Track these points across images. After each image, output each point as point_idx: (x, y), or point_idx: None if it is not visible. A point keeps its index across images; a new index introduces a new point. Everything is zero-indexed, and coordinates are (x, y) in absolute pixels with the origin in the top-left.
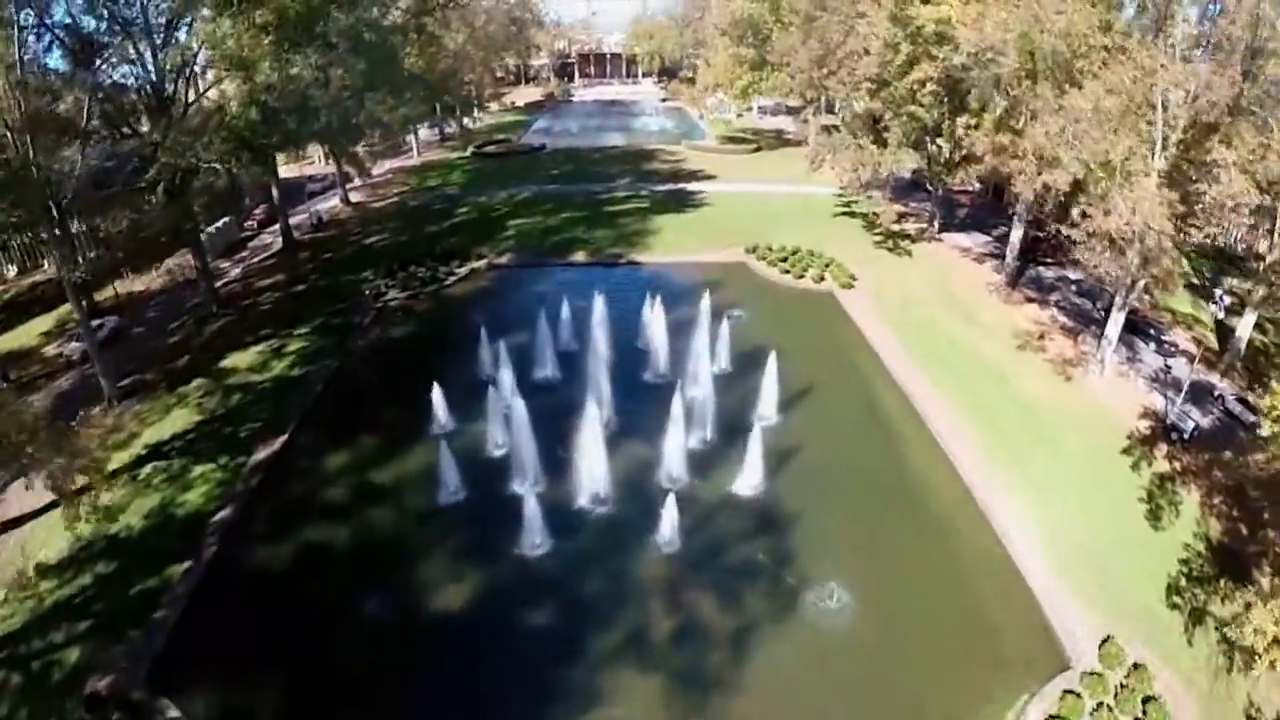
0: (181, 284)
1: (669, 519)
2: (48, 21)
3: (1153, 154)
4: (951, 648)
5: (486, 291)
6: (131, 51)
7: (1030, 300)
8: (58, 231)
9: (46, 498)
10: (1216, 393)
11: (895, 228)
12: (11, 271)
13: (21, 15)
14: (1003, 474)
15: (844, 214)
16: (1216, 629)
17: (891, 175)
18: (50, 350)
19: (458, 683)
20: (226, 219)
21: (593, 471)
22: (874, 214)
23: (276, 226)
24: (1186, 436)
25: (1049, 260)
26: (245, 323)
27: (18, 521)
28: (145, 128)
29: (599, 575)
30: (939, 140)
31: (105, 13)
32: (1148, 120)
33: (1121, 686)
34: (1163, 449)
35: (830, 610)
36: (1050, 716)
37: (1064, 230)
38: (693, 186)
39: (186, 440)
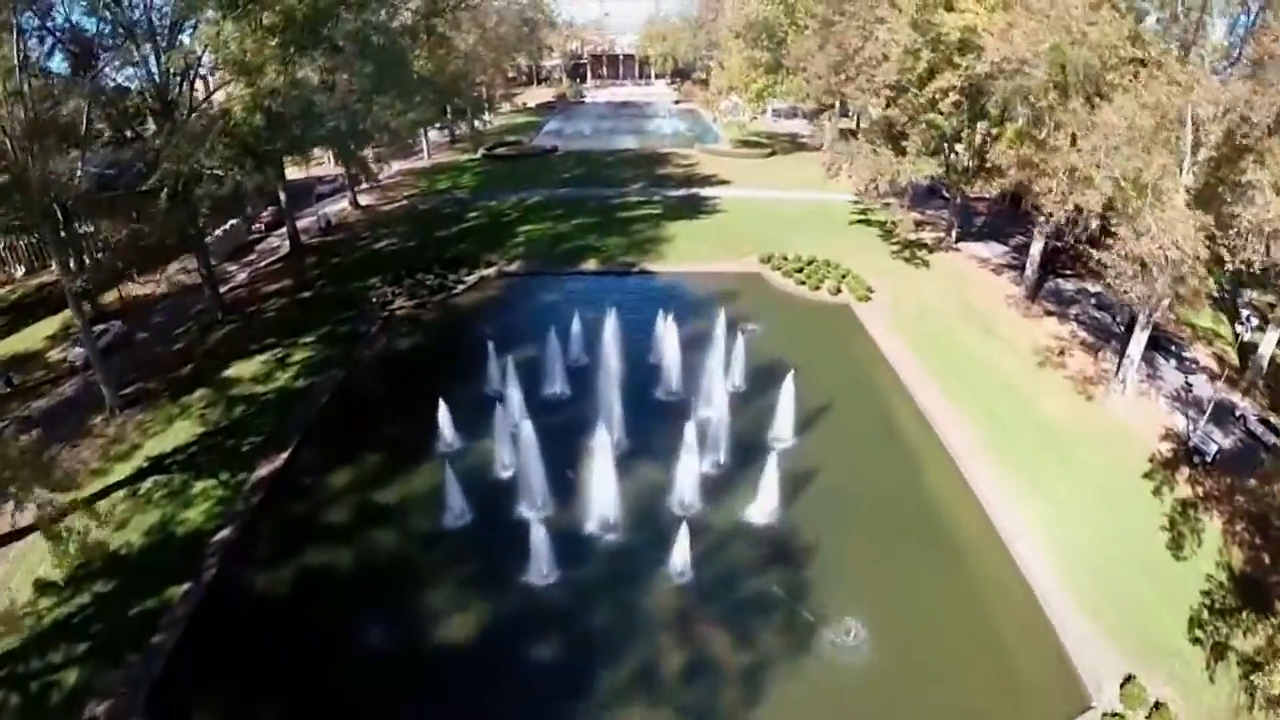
0: (187, 288)
1: (681, 548)
2: (49, 25)
3: (1180, 169)
4: (971, 688)
5: (495, 301)
6: (135, 55)
7: (1049, 314)
8: (61, 234)
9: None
10: (1238, 413)
11: (912, 237)
12: (19, 272)
13: (22, 19)
14: (1023, 500)
15: (860, 222)
16: (1238, 664)
17: (910, 184)
18: (54, 355)
19: (461, 716)
20: (234, 222)
21: (603, 497)
22: (892, 223)
23: (284, 229)
24: (1209, 460)
25: (1068, 272)
26: (250, 330)
27: (21, 533)
28: (150, 132)
29: (608, 606)
30: (958, 148)
31: (108, 15)
32: (1176, 135)
33: None
34: (1185, 472)
35: (847, 647)
36: None
37: (1095, 254)
38: (706, 192)
39: (188, 454)
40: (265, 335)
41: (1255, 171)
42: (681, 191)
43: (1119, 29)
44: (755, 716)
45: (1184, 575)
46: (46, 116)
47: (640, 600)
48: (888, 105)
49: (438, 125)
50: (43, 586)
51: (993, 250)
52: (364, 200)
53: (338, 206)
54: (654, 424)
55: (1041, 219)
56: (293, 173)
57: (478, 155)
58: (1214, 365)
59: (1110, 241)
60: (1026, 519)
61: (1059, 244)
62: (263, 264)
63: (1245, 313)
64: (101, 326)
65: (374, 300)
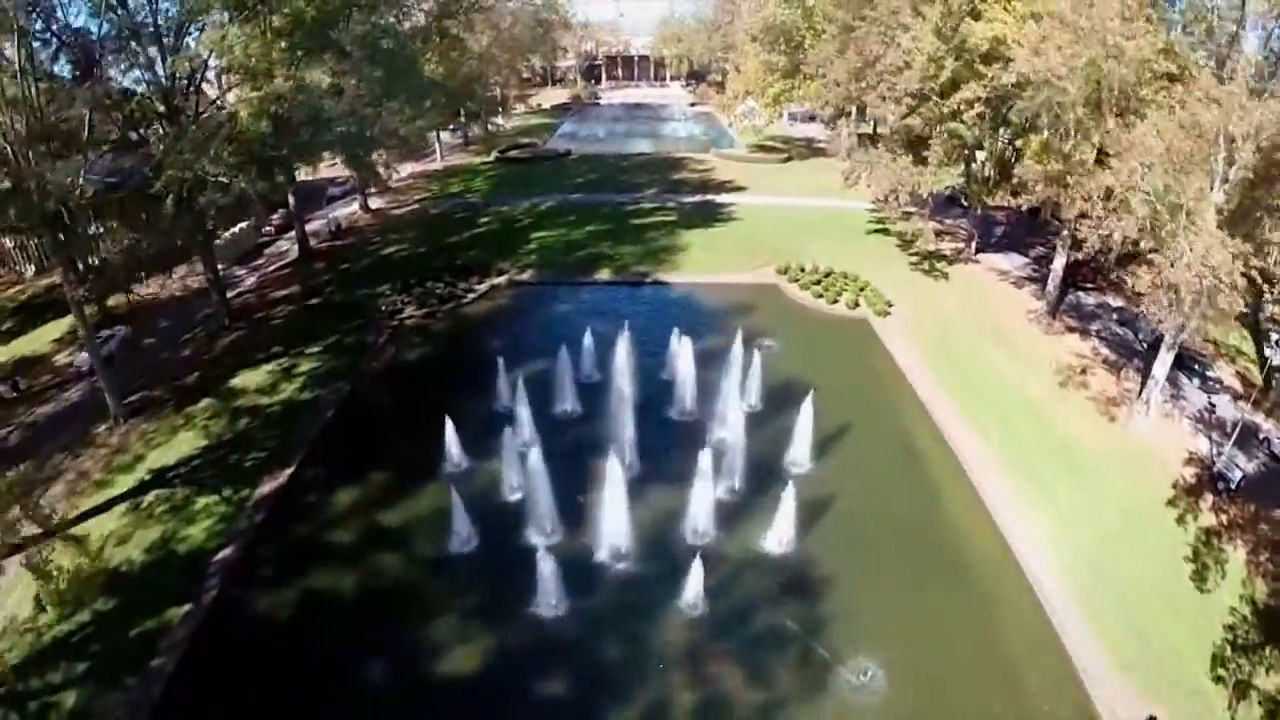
0: (195, 292)
1: (694, 580)
2: (54, 28)
3: (1211, 185)
4: None
5: (506, 311)
6: (140, 58)
7: (1071, 330)
8: (62, 238)
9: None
10: (1262, 435)
11: (931, 248)
12: (29, 271)
13: (26, 22)
14: (1044, 529)
15: (878, 231)
16: (1260, 703)
17: (931, 195)
18: (61, 359)
19: None
20: (243, 225)
21: (613, 524)
22: (912, 235)
23: (294, 233)
24: (1233, 486)
25: (1089, 285)
26: (257, 337)
27: (19, 547)
28: (155, 136)
29: (618, 640)
30: (979, 155)
31: (113, 16)
32: (1211, 154)
33: None
34: (1208, 499)
35: (864, 689)
36: None
37: (1128, 280)
38: (722, 198)
39: (191, 467)
40: (272, 343)
41: None
42: (696, 198)
43: (1152, 42)
44: None
45: (1207, 609)
46: (47, 122)
47: (651, 634)
48: (908, 113)
49: (450, 127)
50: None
51: (1012, 262)
52: (375, 203)
53: (348, 209)
54: (667, 446)
55: (1065, 233)
56: (303, 174)
57: (491, 158)
58: (1237, 385)
59: (1136, 264)
60: (1047, 549)
61: (1079, 256)
62: (271, 268)
63: (1276, 336)
64: (108, 331)
65: (383, 309)
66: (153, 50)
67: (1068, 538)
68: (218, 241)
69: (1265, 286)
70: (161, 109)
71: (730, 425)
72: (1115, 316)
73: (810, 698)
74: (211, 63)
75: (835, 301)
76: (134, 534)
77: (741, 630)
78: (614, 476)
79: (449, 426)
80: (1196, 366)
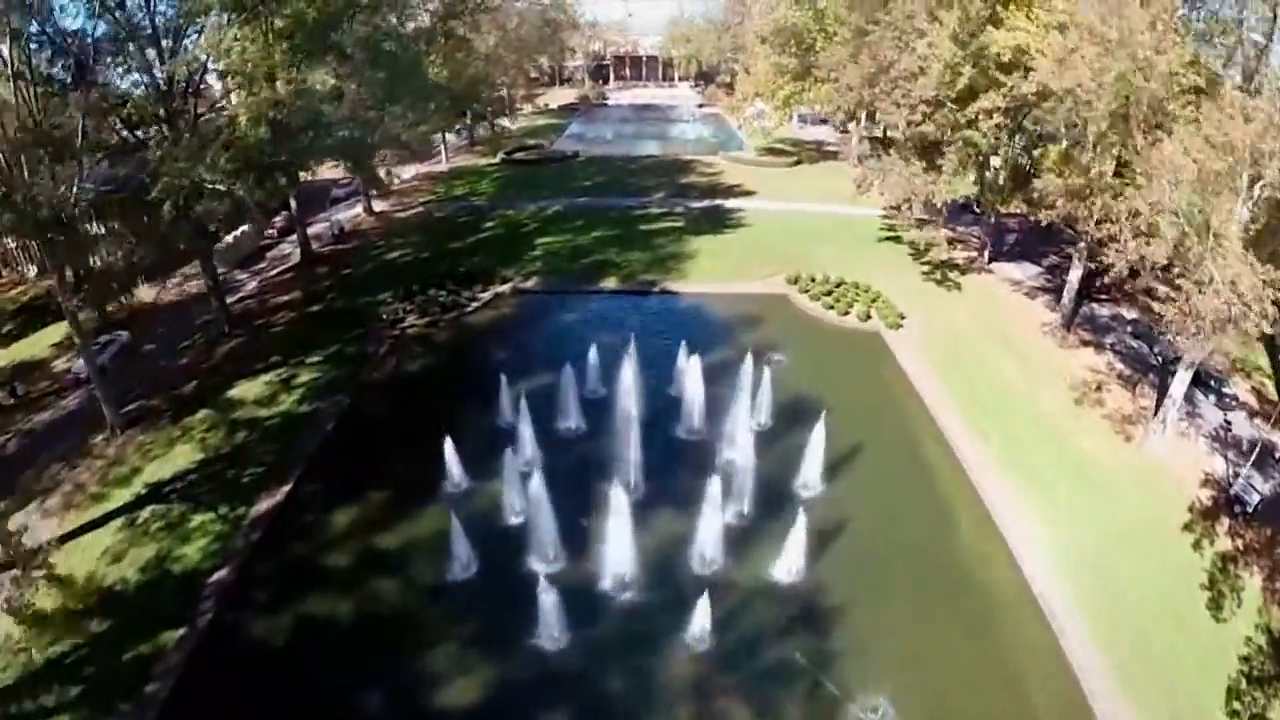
0: (195, 296)
1: (701, 611)
2: (49, 30)
3: (1236, 197)
4: None
5: (510, 321)
6: (138, 60)
7: (1086, 343)
8: (55, 245)
9: (45, 535)
10: (1278, 454)
11: (944, 257)
12: (31, 271)
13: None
14: (1059, 559)
15: (889, 239)
16: None
17: (945, 204)
18: (60, 364)
19: None
20: (245, 228)
21: (618, 550)
22: (926, 245)
23: (296, 236)
24: (1250, 510)
25: (1103, 296)
26: (257, 346)
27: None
28: (154, 140)
29: (622, 674)
30: (994, 162)
31: (111, 17)
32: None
33: None
34: (1225, 523)
35: None
36: None
37: (1156, 308)
38: (730, 204)
39: (187, 482)
40: (271, 352)
41: None
42: (705, 203)
43: (1180, 55)
44: None
45: (1222, 638)
46: (41, 127)
47: (657, 668)
48: (923, 120)
49: (456, 128)
50: (37, 621)
51: (1026, 272)
52: (379, 206)
53: (352, 212)
54: (674, 467)
55: (1081, 244)
56: (307, 175)
57: (497, 160)
58: (1253, 401)
59: (1159, 280)
60: (1060, 576)
61: (1093, 266)
62: (273, 272)
63: None
64: (107, 337)
65: (384, 317)
66: (151, 53)
67: (1082, 566)
68: (219, 245)
69: None
70: (159, 112)
71: (739, 445)
72: (1130, 329)
73: None
74: (211, 65)
75: (846, 313)
76: (129, 551)
77: (749, 664)
78: (618, 506)
79: (449, 446)
80: (1212, 383)
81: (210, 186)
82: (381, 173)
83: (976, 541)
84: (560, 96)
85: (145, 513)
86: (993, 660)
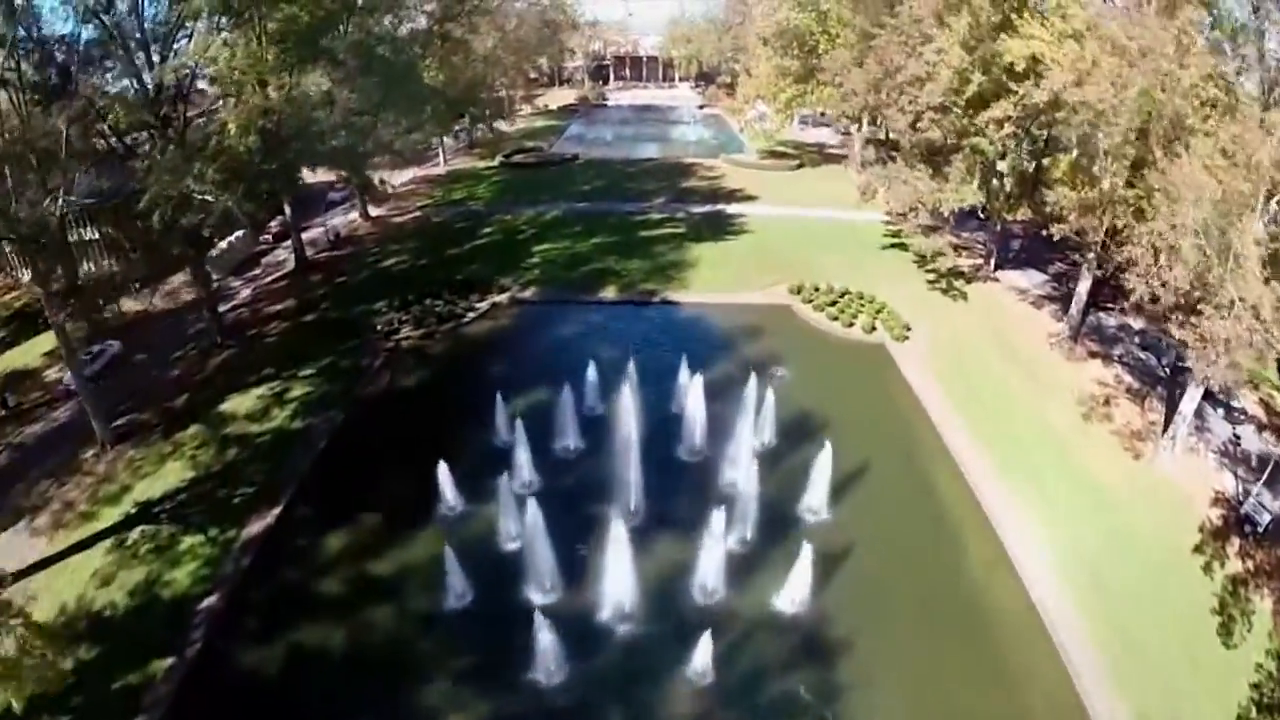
0: (189, 304)
1: (703, 645)
2: (35, 35)
3: (1254, 214)
4: None
5: (507, 334)
6: (127, 66)
7: (1093, 355)
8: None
9: (34, 555)
10: None
11: (950, 265)
12: (25, 275)
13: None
14: (1071, 586)
15: (893, 245)
16: None
17: (952, 213)
18: (52, 374)
19: None
20: (240, 233)
21: (618, 580)
22: (932, 254)
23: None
24: (1260, 530)
25: (1110, 306)
26: (249, 357)
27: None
28: (144, 148)
29: (621, 711)
30: (1001, 166)
31: (99, 22)
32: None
33: None
34: (1235, 543)
35: None
36: None
37: (1176, 333)
38: (732, 209)
39: (178, 502)
40: (264, 364)
41: None
42: (706, 208)
43: (1201, 67)
44: None
45: (1233, 665)
46: (24, 136)
47: (657, 703)
48: (930, 127)
49: (456, 129)
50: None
51: (1031, 280)
52: (375, 210)
53: (348, 217)
54: (675, 490)
55: (1090, 254)
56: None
57: (495, 163)
58: (1262, 414)
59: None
60: (1070, 603)
61: (1100, 274)
62: (267, 279)
63: None
64: (98, 347)
65: (379, 328)
66: (140, 57)
67: (1092, 591)
68: (212, 252)
69: None
70: (149, 119)
71: (741, 467)
72: (1137, 340)
73: None
74: (200, 72)
75: (851, 325)
76: (118, 574)
77: (753, 700)
78: (617, 534)
79: (443, 469)
80: (1221, 395)
81: (199, 197)
82: (377, 179)
83: (985, 570)
84: (560, 97)
85: (135, 534)
86: (1004, 699)
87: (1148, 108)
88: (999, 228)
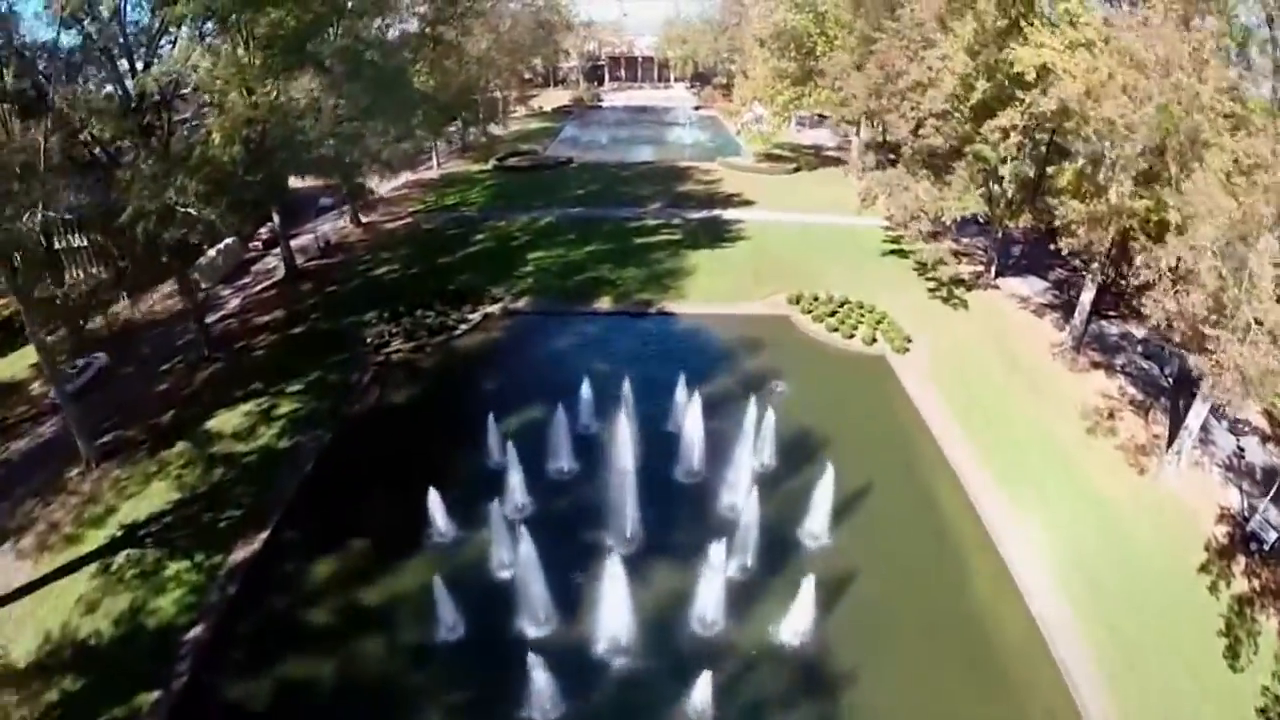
0: (178, 314)
1: (702, 681)
2: (16, 43)
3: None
4: None
5: (499, 347)
6: (110, 73)
7: (1096, 365)
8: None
9: (20, 578)
10: None
11: (951, 272)
12: (23, 278)
13: None
14: (1074, 606)
15: (893, 252)
16: None
17: (954, 221)
18: (38, 387)
19: None
20: (229, 241)
21: (613, 612)
22: (933, 264)
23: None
24: (1267, 548)
25: (1111, 314)
26: (237, 371)
27: None
28: (126, 159)
29: None
30: (1003, 170)
31: (80, 28)
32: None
33: None
34: (1241, 562)
35: None
36: None
37: (1193, 361)
38: (729, 214)
39: (163, 524)
40: (252, 379)
41: None
42: (702, 213)
43: (1218, 80)
44: None
45: (1239, 688)
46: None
47: None
48: (933, 133)
49: (450, 131)
50: (5, 678)
51: (1032, 287)
52: (367, 216)
53: (339, 223)
54: (673, 515)
55: (1094, 264)
56: (294, 181)
57: (489, 166)
58: (1265, 424)
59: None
60: (1083, 637)
61: (1105, 280)
62: (256, 288)
63: None
64: (84, 360)
65: (369, 341)
66: (123, 64)
67: (1101, 619)
68: (201, 261)
69: None
70: (132, 128)
71: (741, 489)
72: (1140, 349)
73: None
74: (183, 81)
75: (851, 336)
76: (103, 601)
77: None
78: (613, 565)
79: (433, 495)
80: (1224, 405)
81: (181, 210)
82: (370, 182)
83: (989, 592)
84: (554, 98)
85: (120, 558)
86: None
87: (1167, 124)
88: (1000, 234)
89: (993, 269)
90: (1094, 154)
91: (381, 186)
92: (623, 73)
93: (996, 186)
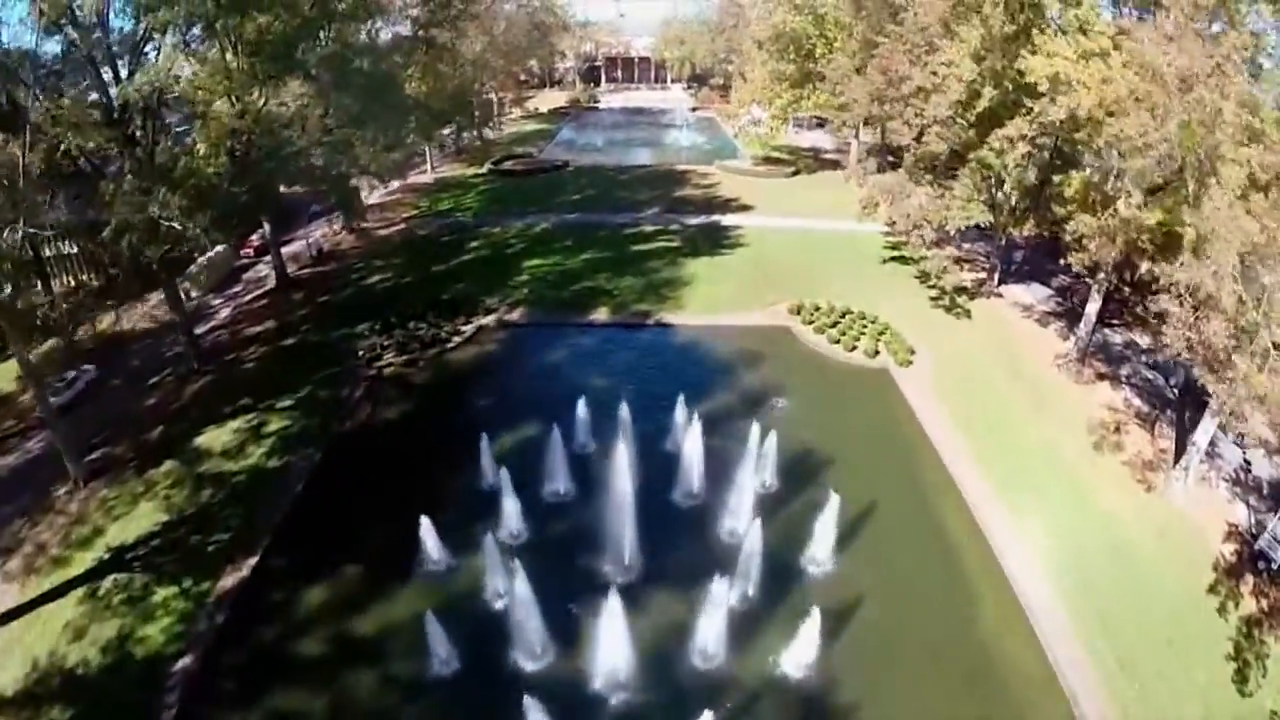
0: (168, 324)
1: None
2: None
3: None
4: None
5: (493, 361)
6: (94, 81)
7: (1102, 376)
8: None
9: (8, 602)
10: None
11: (954, 280)
12: (5, 289)
13: None
14: (1086, 637)
15: (894, 259)
16: None
17: (958, 230)
18: (27, 399)
19: None
20: (220, 248)
21: (612, 645)
22: (937, 274)
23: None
24: (1275, 567)
25: (1115, 322)
26: (227, 385)
27: None
28: (111, 170)
29: None
30: (1006, 173)
31: (63, 36)
32: None
33: None
34: (1250, 581)
35: None
36: None
37: (1211, 387)
38: (727, 220)
39: (151, 547)
40: (241, 393)
41: None
42: (700, 219)
43: (1240, 93)
44: None
45: (1248, 716)
46: None
47: None
48: (935, 140)
49: (446, 133)
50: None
51: (1035, 294)
52: (359, 222)
53: (332, 229)
54: (672, 540)
55: (1100, 275)
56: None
57: (484, 170)
58: (1271, 436)
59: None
60: (1088, 660)
61: (1111, 284)
62: (247, 298)
63: None
64: (73, 373)
65: (360, 354)
66: (107, 72)
67: (1109, 644)
68: (190, 269)
69: None
70: (117, 137)
71: (742, 513)
72: (1144, 360)
73: None
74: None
75: (853, 348)
76: (90, 628)
77: None
78: (611, 596)
79: (425, 522)
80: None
81: (165, 224)
82: (364, 186)
83: (999, 624)
84: (550, 100)
85: (108, 582)
86: None
87: (1188, 142)
88: (1003, 242)
89: (995, 276)
90: (1105, 168)
91: (374, 193)
92: (619, 74)
93: (1000, 194)
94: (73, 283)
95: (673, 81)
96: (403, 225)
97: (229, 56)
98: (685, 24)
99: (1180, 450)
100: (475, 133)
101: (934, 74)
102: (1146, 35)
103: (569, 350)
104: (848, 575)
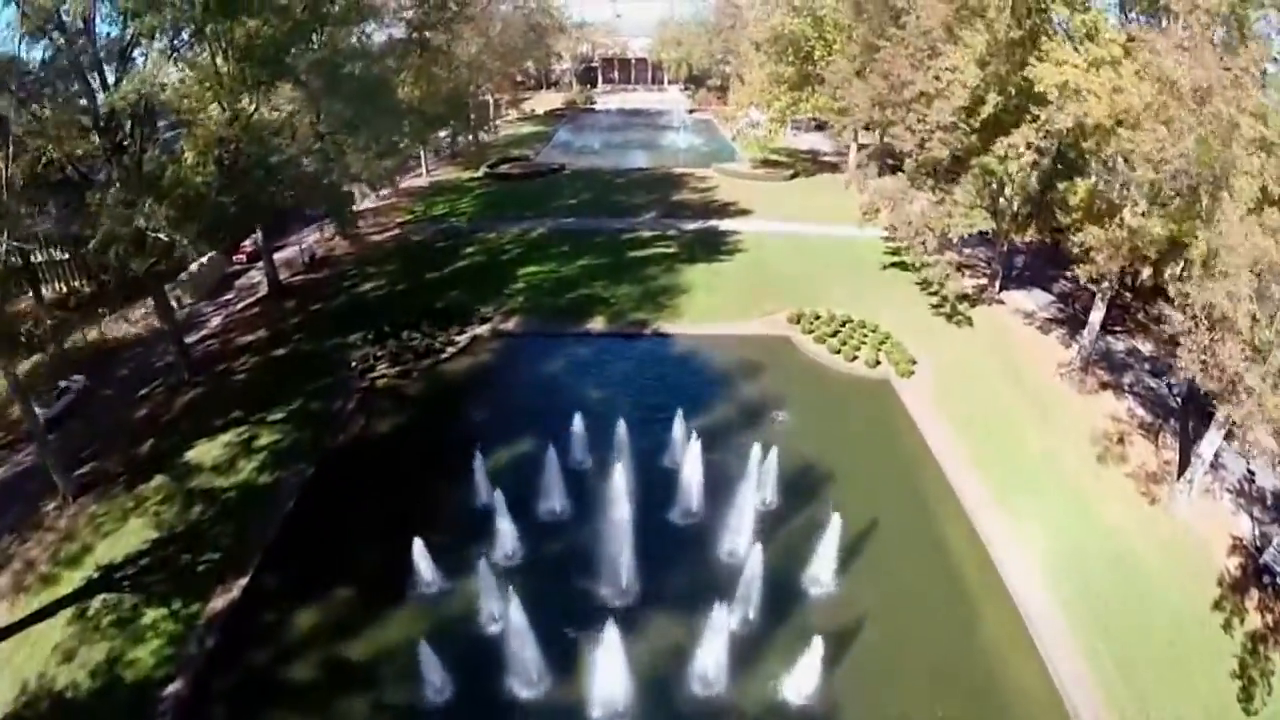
0: (160, 333)
1: None
2: None
3: None
4: None
5: (488, 372)
6: (82, 86)
7: (1105, 385)
8: None
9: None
10: None
11: (955, 287)
12: None
13: None
14: (1090, 654)
15: (894, 265)
16: None
17: (960, 238)
18: (17, 411)
19: None
20: (211, 255)
21: (609, 671)
22: (939, 282)
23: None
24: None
25: (1117, 329)
26: (218, 397)
27: None
28: (100, 176)
29: None
30: (1008, 186)
31: (49, 41)
32: None
33: None
34: (1255, 596)
35: None
36: None
37: (1224, 409)
38: (725, 225)
39: (140, 567)
40: (232, 405)
41: None
42: (698, 224)
43: (1257, 107)
44: None
45: None
46: None
47: None
48: (938, 146)
49: (441, 137)
50: None
51: (1037, 300)
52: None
53: (325, 234)
54: (671, 561)
55: (1105, 284)
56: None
57: (480, 173)
58: (1274, 445)
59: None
60: (1091, 678)
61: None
62: (240, 306)
63: None
64: (63, 384)
65: (353, 365)
66: (94, 78)
67: (1113, 663)
68: (181, 276)
69: None
70: (105, 145)
71: (742, 533)
72: (1147, 366)
73: None
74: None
75: (854, 358)
76: (79, 650)
77: None
78: (609, 622)
79: (419, 544)
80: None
81: (153, 236)
82: (358, 192)
83: (1002, 639)
84: (547, 101)
85: (97, 602)
86: None
87: (1205, 158)
88: (1004, 248)
89: (997, 282)
90: (1113, 178)
91: (368, 198)
92: (616, 75)
93: (1002, 199)
94: (64, 289)
95: (670, 83)
96: (397, 230)
97: (218, 61)
98: (682, 25)
99: (1184, 461)
100: (471, 136)
101: (937, 79)
102: (1160, 44)
103: (565, 361)
104: (849, 595)
